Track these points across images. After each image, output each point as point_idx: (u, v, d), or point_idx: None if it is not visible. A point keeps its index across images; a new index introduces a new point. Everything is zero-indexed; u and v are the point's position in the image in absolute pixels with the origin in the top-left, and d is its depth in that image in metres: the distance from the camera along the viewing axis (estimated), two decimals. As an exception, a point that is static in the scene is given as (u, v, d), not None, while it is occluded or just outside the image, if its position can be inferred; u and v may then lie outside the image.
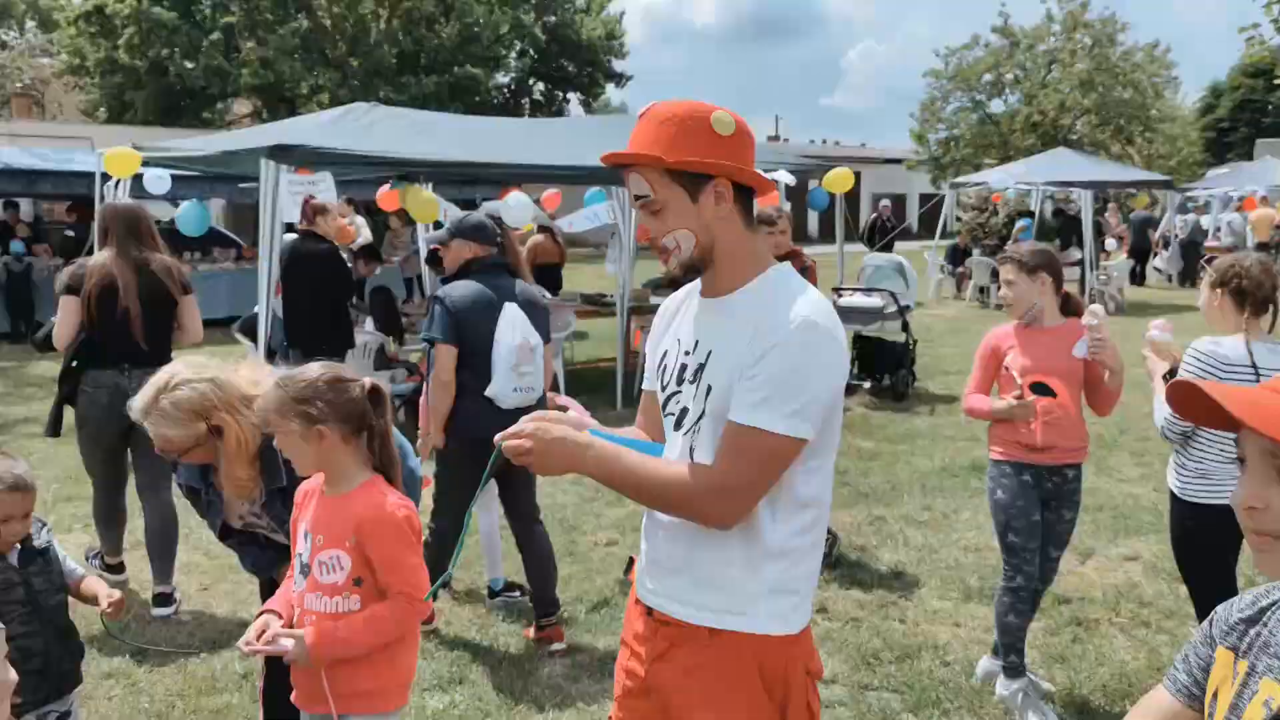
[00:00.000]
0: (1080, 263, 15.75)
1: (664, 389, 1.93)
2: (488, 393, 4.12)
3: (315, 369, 2.30)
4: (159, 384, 2.52)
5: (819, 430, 1.73)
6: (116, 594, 2.63)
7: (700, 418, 1.81)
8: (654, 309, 10.20)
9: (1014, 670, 3.64)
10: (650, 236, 1.82)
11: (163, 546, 4.70)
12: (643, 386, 2.05)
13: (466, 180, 11.01)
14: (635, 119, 1.84)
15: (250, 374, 2.62)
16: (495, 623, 4.40)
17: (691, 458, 1.82)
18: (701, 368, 1.82)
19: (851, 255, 12.86)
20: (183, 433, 2.50)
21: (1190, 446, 3.17)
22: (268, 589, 2.96)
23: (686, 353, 1.87)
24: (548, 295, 8.01)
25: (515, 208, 8.29)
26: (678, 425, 1.87)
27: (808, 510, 1.80)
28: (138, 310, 4.57)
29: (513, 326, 4.16)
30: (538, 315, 4.28)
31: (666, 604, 1.86)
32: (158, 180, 8.48)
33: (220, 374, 2.56)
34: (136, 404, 2.52)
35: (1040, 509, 3.54)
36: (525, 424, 1.73)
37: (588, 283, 14.54)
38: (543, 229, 10.94)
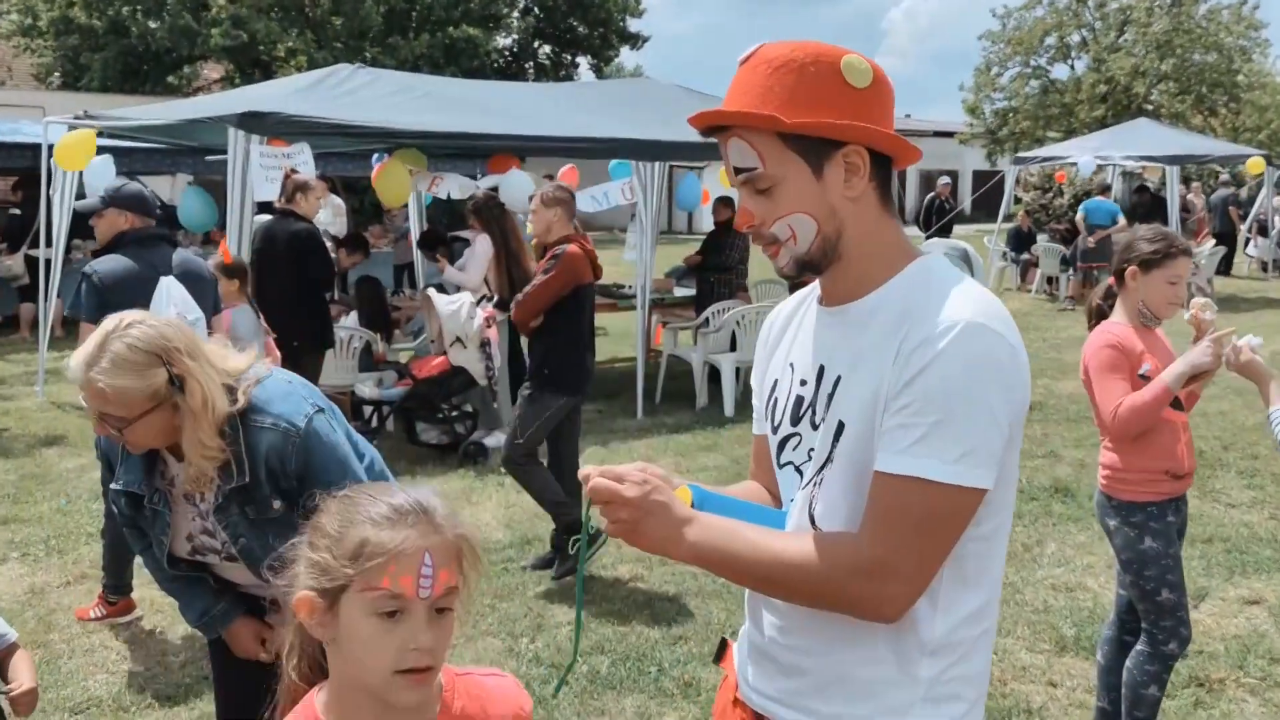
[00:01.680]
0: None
1: (776, 431, 1.63)
2: None
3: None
4: (106, 328, 2.23)
5: (997, 477, 1.43)
6: (25, 685, 2.37)
7: (825, 465, 1.51)
8: (679, 301, 10.07)
9: (1142, 749, 3.36)
10: (754, 223, 1.53)
11: None
12: (753, 430, 1.78)
13: (463, 154, 10.76)
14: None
15: (214, 346, 2.38)
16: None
17: (812, 519, 1.53)
18: (830, 399, 1.52)
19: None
20: (140, 383, 2.18)
21: None
22: (219, 652, 2.70)
23: (803, 382, 1.58)
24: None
25: (515, 186, 8.02)
26: (799, 478, 1.58)
27: (977, 589, 1.50)
28: None
29: (167, 301, 4.34)
30: (202, 287, 4.54)
31: (783, 712, 1.56)
32: (101, 170, 8.08)
33: (176, 321, 2.33)
34: (78, 358, 2.22)
35: None
36: (630, 487, 1.44)
37: (603, 271, 14.30)
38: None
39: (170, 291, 4.38)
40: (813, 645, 1.53)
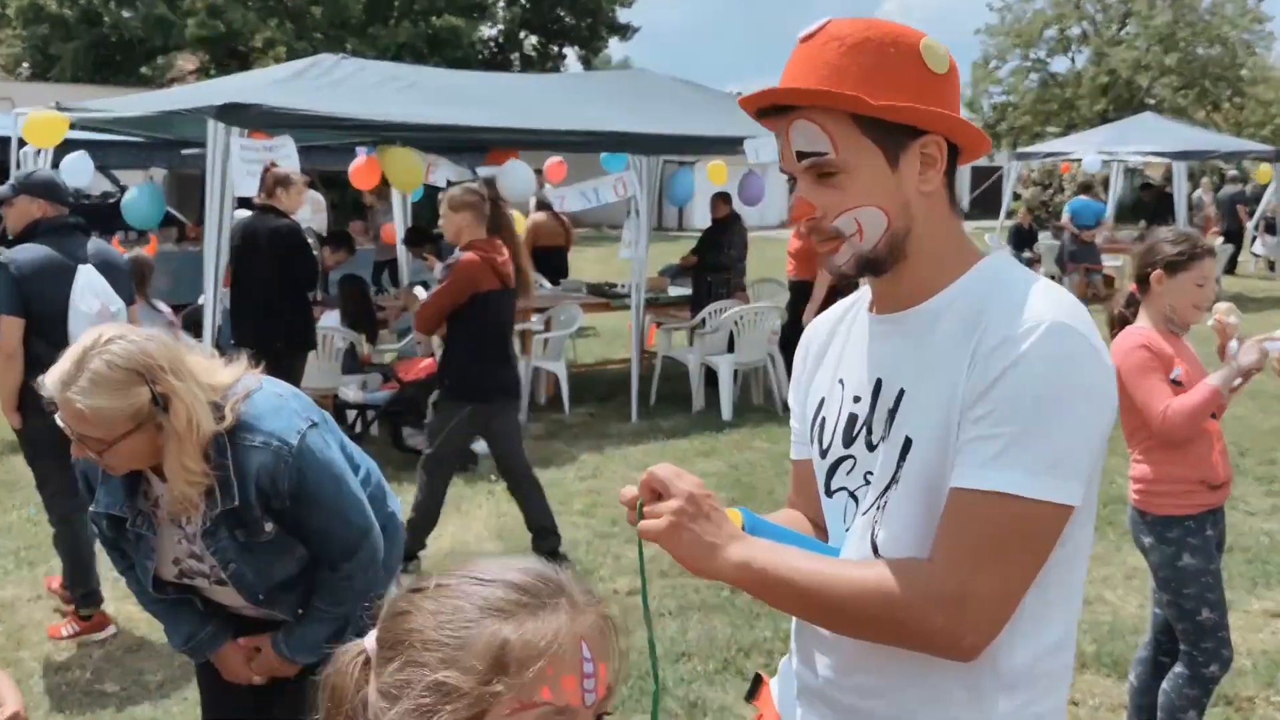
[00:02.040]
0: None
1: (824, 454, 1.53)
2: None
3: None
4: (85, 343, 2.12)
5: (1086, 491, 1.34)
6: (9, 709, 2.27)
7: (888, 487, 1.41)
8: (673, 301, 9.97)
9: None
10: (814, 215, 1.41)
11: None
12: (792, 455, 1.68)
13: (454, 147, 10.66)
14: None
15: (199, 358, 2.28)
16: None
17: (874, 548, 1.42)
18: (892, 415, 1.42)
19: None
20: (121, 403, 2.08)
21: None
22: (205, 676, 2.60)
23: (857, 399, 1.48)
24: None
25: (514, 178, 7.93)
26: (855, 505, 1.48)
27: (1061, 616, 1.41)
28: None
29: (89, 292, 4.34)
30: (117, 277, 4.55)
31: None
32: (77, 166, 7.94)
33: (158, 335, 2.23)
34: (53, 375, 2.11)
35: None
36: (688, 482, 1.37)
37: (592, 269, 14.23)
38: (543, 206, 10.62)
39: (91, 281, 4.36)
40: (875, 684, 1.43)
